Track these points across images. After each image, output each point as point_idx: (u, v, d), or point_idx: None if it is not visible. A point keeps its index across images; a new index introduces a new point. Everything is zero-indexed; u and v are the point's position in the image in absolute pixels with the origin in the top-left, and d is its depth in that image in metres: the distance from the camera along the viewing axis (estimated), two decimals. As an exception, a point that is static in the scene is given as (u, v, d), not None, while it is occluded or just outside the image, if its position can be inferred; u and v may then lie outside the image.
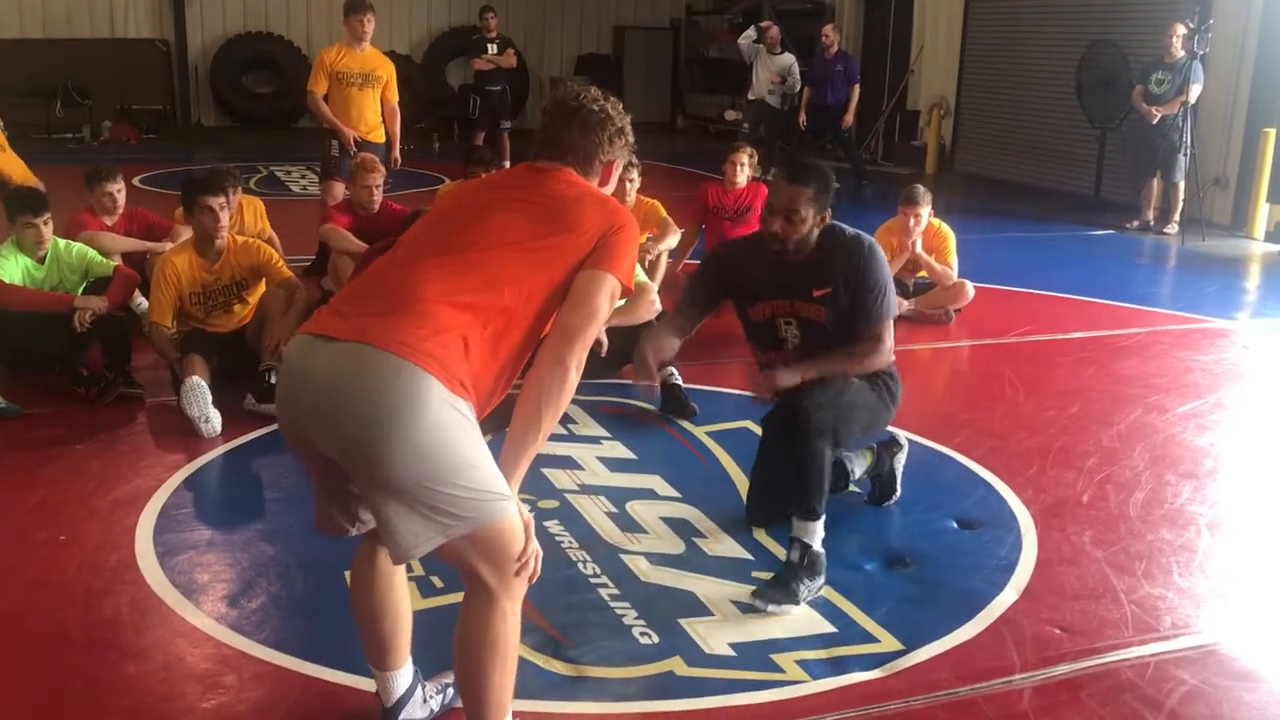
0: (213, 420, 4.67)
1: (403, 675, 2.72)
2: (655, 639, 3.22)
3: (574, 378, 2.33)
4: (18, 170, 7.12)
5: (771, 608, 3.36)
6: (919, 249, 6.86)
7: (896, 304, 3.67)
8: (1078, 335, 6.70)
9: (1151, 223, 10.48)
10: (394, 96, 7.83)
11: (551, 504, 4.09)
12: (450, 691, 2.84)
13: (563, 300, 2.39)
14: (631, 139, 2.65)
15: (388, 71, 7.82)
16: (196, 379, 4.71)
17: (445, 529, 2.25)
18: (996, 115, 13.87)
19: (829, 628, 3.32)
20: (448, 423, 2.21)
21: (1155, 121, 10.17)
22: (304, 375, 2.27)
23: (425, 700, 2.78)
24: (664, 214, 7.06)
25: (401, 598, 2.67)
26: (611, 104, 2.61)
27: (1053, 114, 12.71)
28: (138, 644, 3.15)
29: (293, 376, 2.32)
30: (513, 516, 2.32)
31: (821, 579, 3.48)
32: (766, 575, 3.55)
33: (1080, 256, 9.52)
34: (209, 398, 4.70)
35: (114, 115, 15.50)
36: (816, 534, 3.51)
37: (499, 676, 2.41)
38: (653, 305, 5.32)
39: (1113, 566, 3.75)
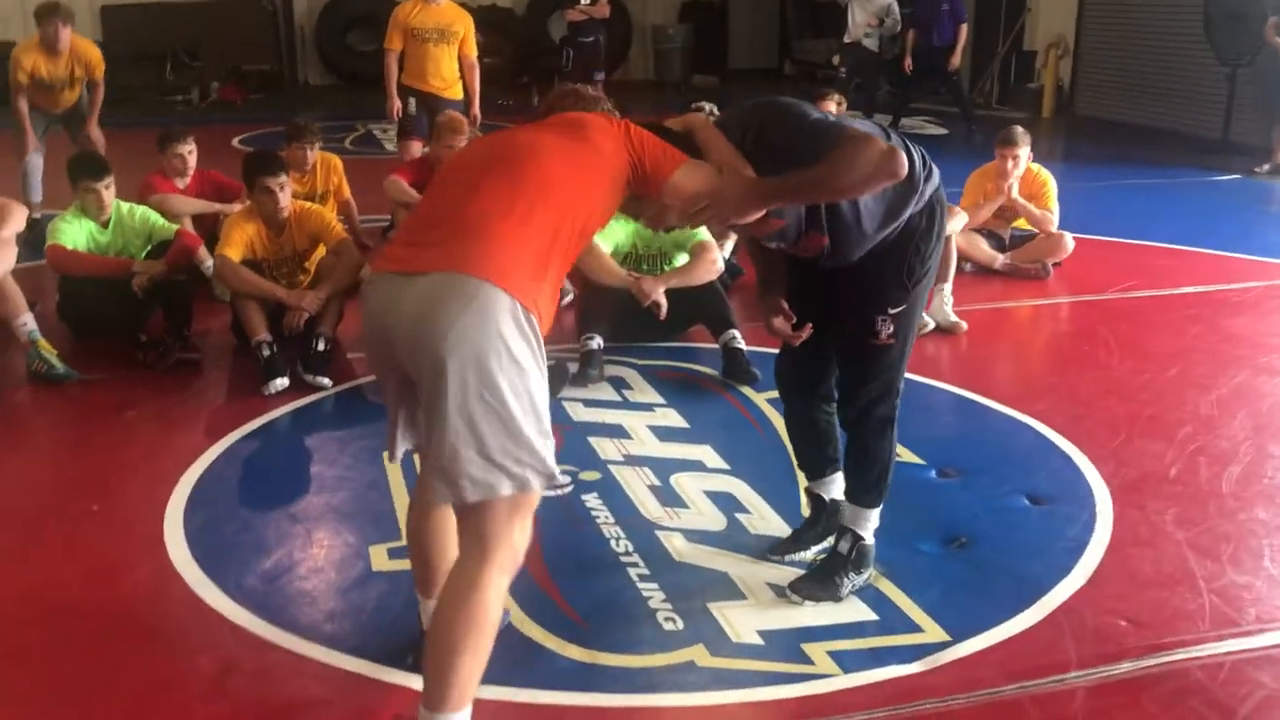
0: (280, 384, 4.74)
1: None
2: (680, 625, 3.04)
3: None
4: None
5: (808, 603, 3.13)
6: (1015, 194, 6.44)
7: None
8: (1186, 290, 6.22)
9: (1284, 166, 9.78)
10: (472, 51, 7.68)
11: (593, 475, 3.92)
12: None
13: (604, 214, 2.51)
14: None
15: (465, 26, 7.67)
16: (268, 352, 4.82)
17: (497, 483, 2.27)
18: (1118, 54, 13.09)
19: (870, 615, 3.09)
20: (522, 349, 2.25)
21: (1289, 56, 9.45)
22: (386, 311, 2.32)
23: None
24: (742, 167, 6.78)
25: (453, 529, 2.62)
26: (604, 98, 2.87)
27: (1179, 51, 11.93)
28: (153, 622, 3.09)
29: (377, 314, 2.37)
30: (529, 498, 2.35)
31: (868, 572, 3.20)
32: (807, 555, 3.33)
33: (1201, 204, 8.91)
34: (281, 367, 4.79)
35: (222, 77, 15.76)
36: (872, 524, 3.19)
37: (470, 659, 2.31)
38: (714, 265, 5.08)
39: (1195, 550, 3.42)
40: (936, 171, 2.97)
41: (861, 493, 3.19)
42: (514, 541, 2.35)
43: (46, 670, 2.87)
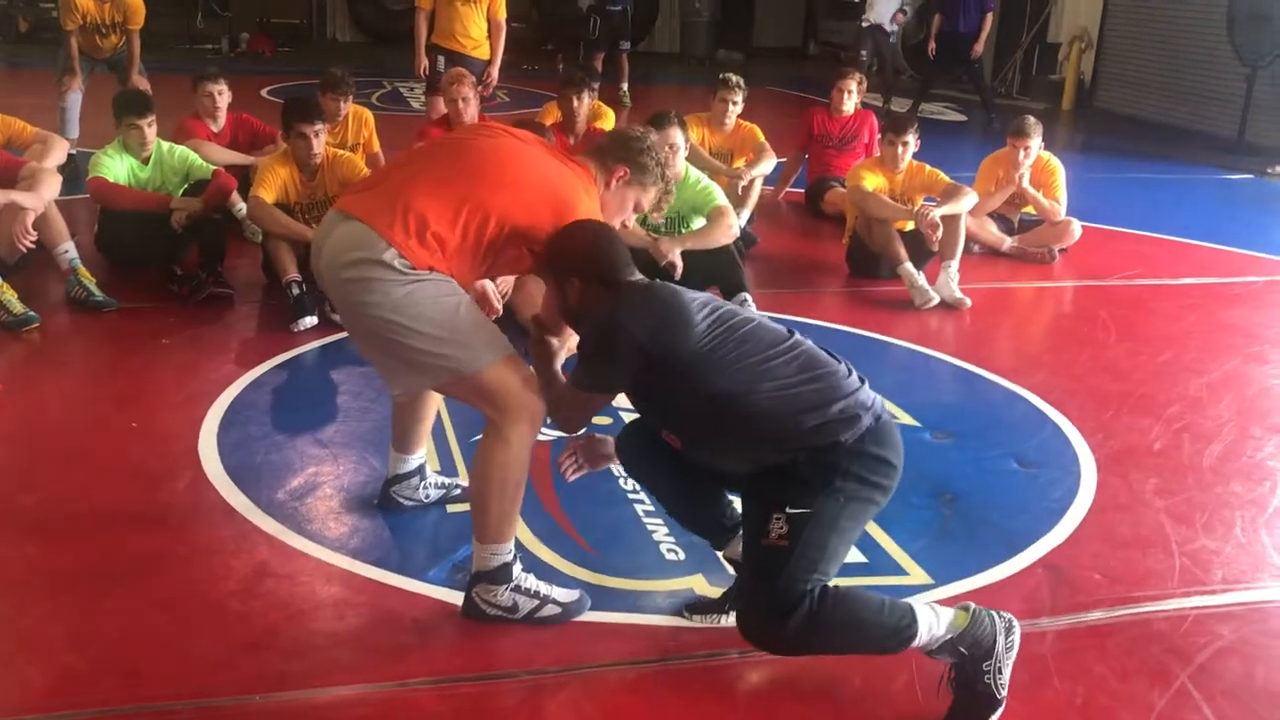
0: (308, 321, 4.95)
1: (409, 460, 3.38)
2: (681, 556, 3.25)
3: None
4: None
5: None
6: (1025, 183, 6.61)
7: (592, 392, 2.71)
8: (1187, 281, 6.40)
9: (1297, 168, 9.92)
10: (501, 13, 7.83)
11: (605, 420, 4.11)
12: (457, 491, 3.46)
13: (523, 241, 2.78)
14: (657, 173, 2.95)
15: (495, -13, 7.83)
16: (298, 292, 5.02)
17: (421, 379, 2.78)
18: (1140, 50, 13.20)
19: (860, 558, 3.28)
20: (412, 291, 2.63)
21: (1308, 59, 9.58)
22: (319, 243, 2.81)
23: (422, 487, 3.42)
24: (761, 139, 6.97)
25: (422, 402, 3.26)
26: (656, 142, 3.01)
27: (1200, 50, 12.04)
28: (190, 527, 3.31)
29: (315, 244, 2.86)
30: (494, 370, 2.70)
31: (1003, 638, 2.55)
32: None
33: (1211, 201, 9.07)
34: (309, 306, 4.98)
35: (252, 28, 15.91)
36: (941, 634, 2.53)
37: (497, 502, 2.78)
38: (730, 229, 5.27)
39: (1171, 517, 3.61)
40: (867, 395, 2.63)
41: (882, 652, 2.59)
42: (507, 406, 2.72)
43: (91, 561, 3.09)
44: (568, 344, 2.94)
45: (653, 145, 2.97)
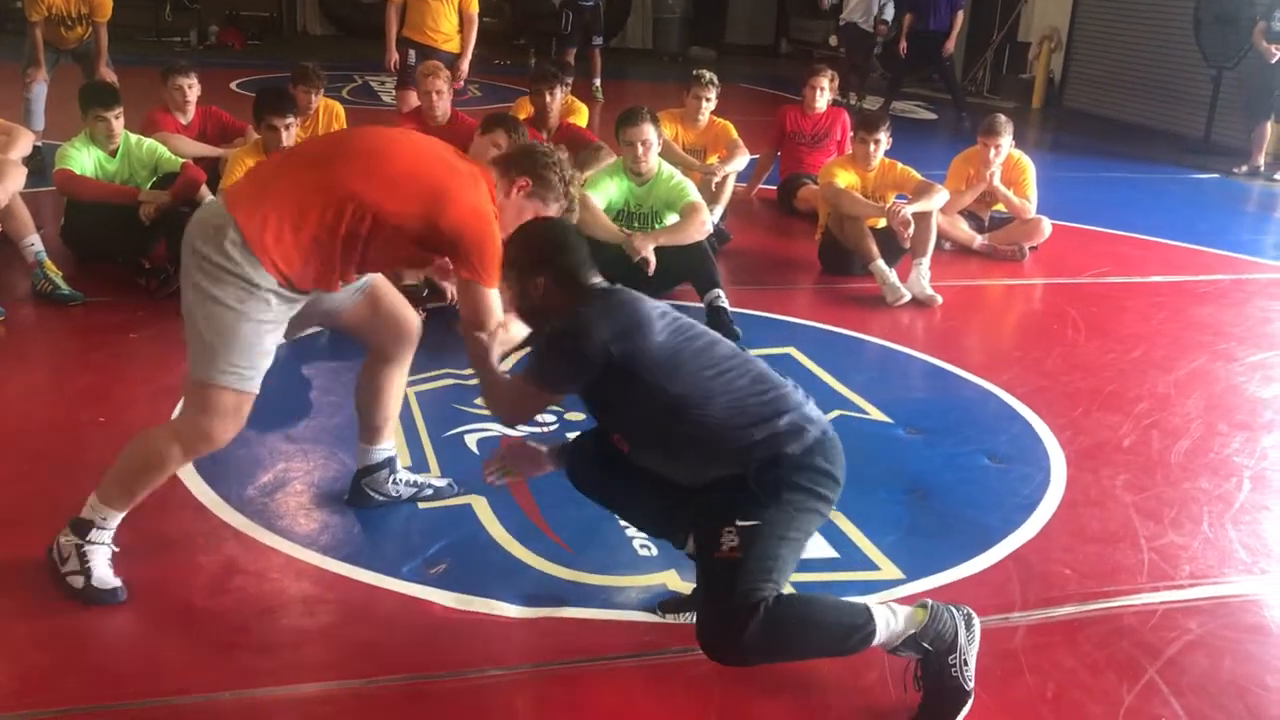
0: None
1: (376, 452, 3.35)
2: (654, 552, 3.24)
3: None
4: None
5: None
6: (996, 181, 6.64)
7: (547, 384, 2.73)
8: (1156, 279, 6.46)
9: (1262, 168, 10.02)
10: (473, 6, 7.81)
11: (578, 416, 4.10)
12: (429, 491, 3.45)
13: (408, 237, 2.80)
14: (560, 190, 2.98)
15: (466, -20, 7.81)
16: None
17: (196, 369, 2.76)
18: (1109, 51, 13.32)
19: (830, 553, 3.30)
20: (225, 281, 2.67)
21: (1275, 60, 9.67)
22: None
23: (392, 481, 3.38)
24: (734, 135, 6.97)
25: (386, 391, 3.26)
26: (565, 160, 3.04)
27: (1168, 51, 12.16)
28: (157, 525, 3.25)
29: None
30: (221, 396, 2.74)
31: (964, 630, 2.58)
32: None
33: (1179, 200, 9.15)
34: None
35: (222, 20, 15.78)
36: (898, 629, 2.55)
37: (126, 474, 2.85)
38: (703, 225, 5.26)
39: (1140, 512, 3.64)
40: (814, 411, 2.67)
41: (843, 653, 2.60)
42: (199, 423, 2.78)
43: (58, 560, 3.04)
44: (500, 339, 2.93)
45: (560, 162, 3.00)
